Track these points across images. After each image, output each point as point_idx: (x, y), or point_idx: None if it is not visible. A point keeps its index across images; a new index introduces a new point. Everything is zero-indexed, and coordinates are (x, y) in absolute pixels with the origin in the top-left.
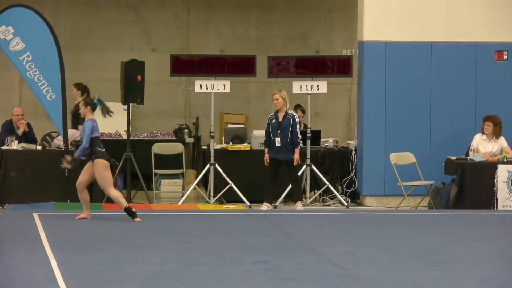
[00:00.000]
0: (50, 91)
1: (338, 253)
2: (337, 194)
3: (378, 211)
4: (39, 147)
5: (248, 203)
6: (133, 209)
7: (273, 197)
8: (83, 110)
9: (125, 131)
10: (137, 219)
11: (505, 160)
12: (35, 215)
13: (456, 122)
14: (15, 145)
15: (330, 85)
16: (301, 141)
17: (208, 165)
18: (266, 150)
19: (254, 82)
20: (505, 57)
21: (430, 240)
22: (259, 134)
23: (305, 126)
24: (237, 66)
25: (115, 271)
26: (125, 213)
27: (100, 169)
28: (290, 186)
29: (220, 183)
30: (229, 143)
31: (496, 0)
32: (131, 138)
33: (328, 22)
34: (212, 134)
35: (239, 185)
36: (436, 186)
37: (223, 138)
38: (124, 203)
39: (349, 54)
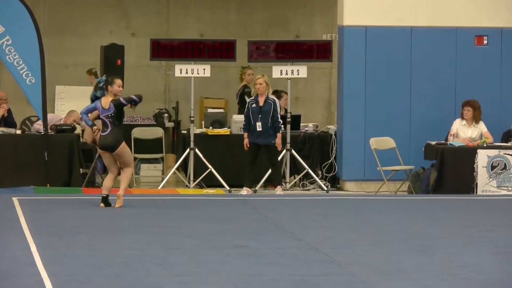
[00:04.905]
0: (29, 75)
1: (318, 237)
2: (317, 179)
3: (358, 195)
4: (18, 131)
5: (228, 188)
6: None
7: (253, 181)
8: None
9: None
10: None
11: (485, 145)
12: (15, 199)
13: (436, 107)
14: None
15: (310, 70)
16: (282, 126)
17: (188, 150)
18: (245, 134)
19: (234, 67)
20: (485, 42)
21: (411, 225)
22: (239, 118)
23: (285, 111)
24: (217, 50)
25: (95, 255)
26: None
27: None
28: (270, 170)
29: (200, 167)
30: (209, 128)
31: None
32: None
33: (308, 7)
34: (192, 118)
35: (219, 170)
36: (416, 171)
37: (203, 122)
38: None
39: (329, 39)
